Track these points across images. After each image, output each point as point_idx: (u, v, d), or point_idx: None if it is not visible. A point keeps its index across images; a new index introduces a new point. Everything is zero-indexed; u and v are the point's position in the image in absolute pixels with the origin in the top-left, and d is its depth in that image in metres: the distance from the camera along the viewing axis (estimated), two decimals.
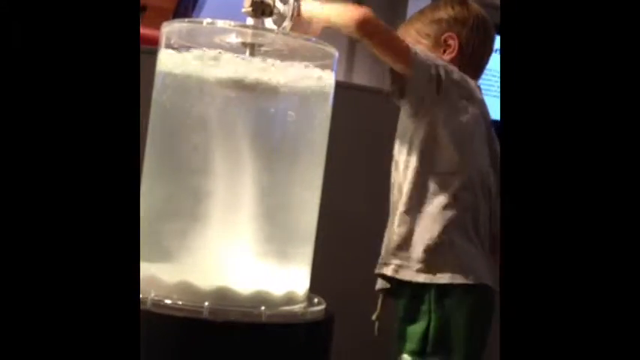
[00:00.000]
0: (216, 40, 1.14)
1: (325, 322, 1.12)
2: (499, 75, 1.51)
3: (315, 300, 1.16)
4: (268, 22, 1.19)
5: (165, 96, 1.13)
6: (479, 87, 1.33)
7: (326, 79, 1.15)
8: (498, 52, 1.55)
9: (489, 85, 2.50)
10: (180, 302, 1.02)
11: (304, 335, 1.08)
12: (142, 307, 1.01)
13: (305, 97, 1.14)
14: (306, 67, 1.14)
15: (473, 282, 1.22)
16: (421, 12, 1.40)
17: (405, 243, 1.24)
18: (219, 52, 1.08)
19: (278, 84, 1.09)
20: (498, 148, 1.32)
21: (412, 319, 1.25)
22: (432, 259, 1.22)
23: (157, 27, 1.15)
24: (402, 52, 1.21)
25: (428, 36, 1.35)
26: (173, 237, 1.08)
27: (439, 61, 1.26)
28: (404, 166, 1.27)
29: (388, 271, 1.25)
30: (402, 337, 1.26)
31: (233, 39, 1.14)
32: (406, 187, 1.25)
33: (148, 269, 1.08)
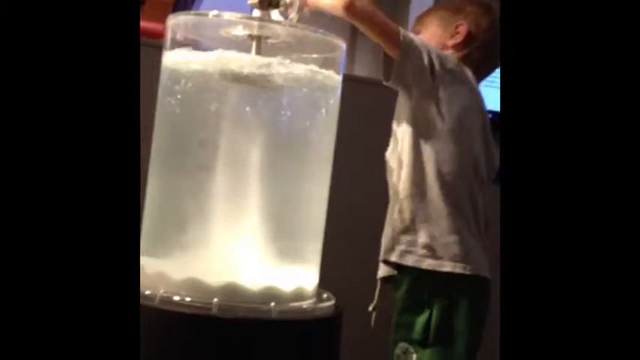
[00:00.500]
0: (222, 32, 1.13)
1: (335, 317, 1.11)
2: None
3: (325, 295, 1.14)
4: (274, 14, 1.17)
5: (171, 91, 1.11)
6: (473, 76, 1.33)
7: (333, 72, 1.14)
8: None
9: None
10: (188, 299, 1.01)
11: (314, 331, 1.07)
12: (150, 303, 1.00)
13: (313, 91, 1.12)
14: (313, 59, 1.13)
15: (472, 273, 1.22)
16: (448, 2, 1.42)
17: (408, 229, 1.25)
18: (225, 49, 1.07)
19: (285, 78, 1.07)
20: (492, 138, 1.33)
21: (413, 309, 1.25)
22: (436, 245, 1.23)
23: (156, 20, 1.13)
24: (391, 34, 1.22)
25: (442, 18, 1.36)
26: (181, 233, 1.07)
27: (433, 48, 1.26)
28: (398, 159, 1.28)
29: (393, 256, 1.25)
30: (401, 327, 1.26)
31: (239, 31, 1.12)
32: (406, 173, 1.25)
33: (156, 265, 1.07)
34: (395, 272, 1.27)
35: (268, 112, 1.10)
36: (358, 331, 1.32)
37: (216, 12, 1.09)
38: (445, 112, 1.25)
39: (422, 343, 1.24)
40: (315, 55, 1.15)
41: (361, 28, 1.22)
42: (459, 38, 1.34)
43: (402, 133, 1.28)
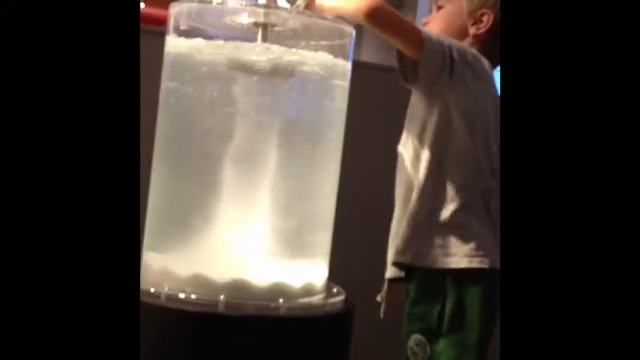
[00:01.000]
0: (227, 20, 1.09)
1: (345, 312, 1.08)
2: None
3: (335, 290, 1.12)
4: (281, 1, 1.14)
5: (174, 81, 1.08)
6: (492, 68, 1.30)
7: (342, 59, 1.10)
8: None
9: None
10: (194, 296, 0.99)
11: (324, 327, 1.04)
12: (155, 301, 0.98)
13: (322, 79, 1.09)
14: (322, 47, 1.10)
15: (488, 266, 1.20)
16: None
17: (422, 229, 1.22)
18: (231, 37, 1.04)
19: (294, 67, 1.04)
20: None
21: (427, 300, 1.23)
22: (450, 243, 1.20)
23: (159, 5, 1.10)
24: (414, 37, 1.18)
25: (471, 1, 1.31)
26: (186, 228, 1.04)
27: (453, 42, 1.22)
28: (415, 152, 1.25)
29: (407, 258, 1.22)
30: (414, 318, 1.24)
31: (245, 19, 1.09)
32: (421, 173, 1.22)
33: (161, 261, 1.05)
34: (402, 274, 1.24)
35: (276, 102, 1.07)
36: (368, 325, 1.29)
37: (219, 0, 1.05)
38: (463, 110, 1.22)
39: (435, 334, 1.22)
40: (323, 42, 1.12)
41: (381, 34, 1.18)
42: (482, 28, 1.30)
43: (417, 131, 1.25)
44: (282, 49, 1.05)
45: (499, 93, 1.27)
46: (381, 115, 1.81)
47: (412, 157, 1.25)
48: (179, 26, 1.09)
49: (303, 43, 1.11)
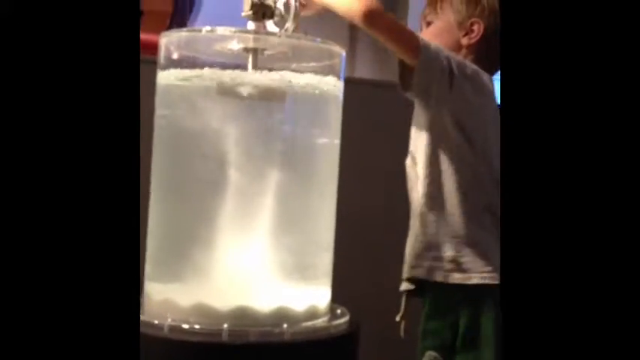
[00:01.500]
0: (217, 47, 1.10)
1: (350, 334, 1.07)
2: None
3: (339, 311, 1.11)
4: (270, 25, 1.14)
5: (168, 110, 1.08)
6: (492, 80, 1.29)
7: (334, 80, 1.10)
8: None
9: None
10: (197, 326, 0.98)
11: (330, 350, 1.04)
12: (158, 333, 0.98)
13: (315, 101, 1.09)
14: (312, 68, 1.10)
15: (499, 282, 1.19)
16: None
17: (433, 244, 1.22)
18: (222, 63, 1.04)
19: (286, 90, 1.04)
20: None
21: (440, 316, 1.22)
22: (462, 259, 1.20)
23: (156, 32, 1.11)
24: (411, 43, 1.18)
25: (458, 12, 1.31)
26: (186, 256, 1.04)
27: (451, 54, 1.22)
28: (419, 164, 1.24)
29: (420, 273, 1.21)
30: (428, 334, 1.23)
31: (235, 45, 1.09)
32: (424, 187, 1.22)
33: (162, 292, 1.05)
34: (413, 286, 1.24)
35: (270, 126, 1.07)
36: (374, 345, 1.29)
37: (209, 27, 1.06)
38: (463, 120, 1.22)
39: (450, 351, 1.21)
40: (313, 64, 1.12)
41: (378, 37, 1.18)
42: (474, 38, 1.30)
43: (419, 144, 1.25)
44: (273, 73, 1.05)
45: (499, 102, 1.27)
46: (377, 130, 1.82)
47: (419, 170, 1.25)
48: (170, 55, 1.09)
49: (294, 65, 1.11)
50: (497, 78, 1.47)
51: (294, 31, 1.13)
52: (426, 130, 1.24)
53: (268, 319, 1.00)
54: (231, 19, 1.14)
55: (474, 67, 1.26)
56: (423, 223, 1.22)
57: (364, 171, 1.70)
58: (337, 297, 1.14)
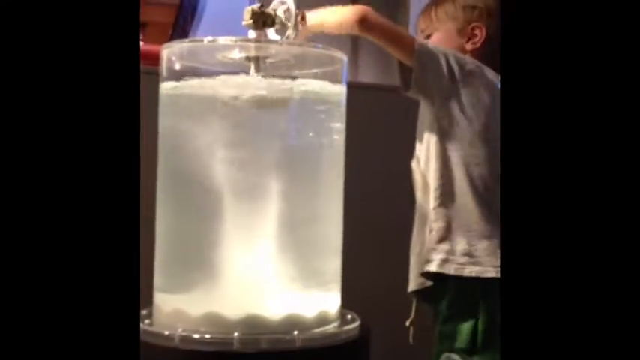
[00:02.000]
0: (219, 57, 1.10)
1: (361, 339, 1.07)
2: None
3: (349, 316, 1.11)
4: (271, 33, 1.14)
5: (171, 121, 1.09)
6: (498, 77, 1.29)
7: (337, 87, 1.11)
8: None
9: None
10: (208, 335, 0.98)
11: (341, 356, 1.04)
12: (170, 344, 0.98)
13: (317, 108, 1.09)
14: (315, 75, 1.10)
15: None
16: None
17: (445, 236, 1.22)
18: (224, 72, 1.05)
19: (287, 98, 1.04)
20: None
21: (459, 317, 1.22)
22: (475, 251, 1.20)
23: (158, 43, 1.11)
24: (407, 44, 1.20)
25: (456, 19, 1.31)
26: (195, 267, 1.04)
27: (449, 51, 1.22)
28: (427, 158, 1.25)
29: (432, 266, 1.21)
30: (447, 336, 1.23)
31: (236, 54, 1.10)
32: (435, 180, 1.22)
33: (172, 302, 1.05)
34: (430, 283, 1.23)
35: (274, 132, 1.07)
36: (385, 349, 1.28)
37: (210, 38, 1.06)
38: (470, 115, 1.22)
39: (469, 351, 1.21)
40: (315, 70, 1.13)
41: (374, 40, 1.19)
42: (477, 42, 1.30)
43: (427, 141, 1.25)
44: (276, 80, 1.05)
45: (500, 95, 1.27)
46: (381, 134, 1.82)
47: (427, 166, 1.25)
48: (172, 66, 1.10)
49: (296, 72, 1.12)
50: None
51: (296, 38, 1.14)
52: (434, 128, 1.24)
53: (279, 326, 1.00)
54: (233, 28, 1.15)
55: (477, 62, 1.26)
56: (436, 217, 1.22)
57: (369, 175, 1.70)
58: (347, 302, 1.14)
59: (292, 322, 1.01)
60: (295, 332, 0.99)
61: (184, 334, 0.98)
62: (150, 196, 1.04)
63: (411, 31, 1.50)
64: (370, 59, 2.53)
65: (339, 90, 1.12)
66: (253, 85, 1.06)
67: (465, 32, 1.31)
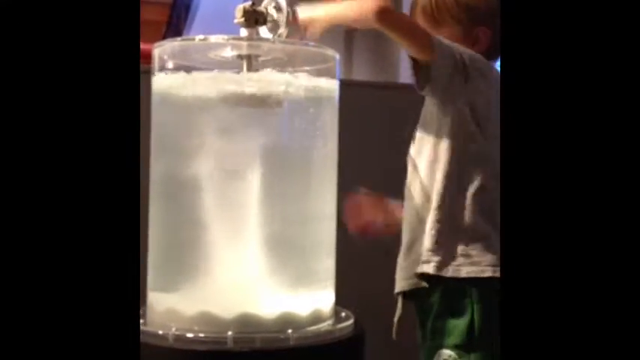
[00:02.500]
0: (211, 55, 1.10)
1: (355, 337, 1.07)
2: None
3: (343, 314, 1.11)
4: (263, 31, 1.14)
5: (164, 119, 1.08)
6: None
7: (329, 84, 1.10)
8: None
9: None
10: (202, 334, 0.98)
11: (335, 354, 1.04)
12: (163, 343, 0.98)
13: (310, 106, 1.09)
14: (307, 72, 1.10)
15: None
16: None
17: (442, 237, 1.21)
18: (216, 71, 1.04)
19: (280, 96, 1.04)
20: None
21: (453, 313, 1.21)
22: (472, 252, 1.19)
23: (151, 41, 1.11)
24: (424, 40, 1.18)
25: (460, 22, 1.29)
26: (188, 266, 1.04)
27: (462, 49, 1.21)
28: (432, 160, 1.23)
29: (430, 269, 1.20)
30: (440, 332, 1.22)
31: (228, 52, 1.09)
32: (439, 181, 1.21)
33: (166, 301, 1.05)
34: (426, 284, 1.23)
35: (266, 131, 1.07)
36: (380, 347, 1.28)
37: (202, 36, 1.06)
38: (478, 115, 1.21)
39: (465, 348, 1.20)
40: (308, 68, 1.12)
41: (390, 34, 1.17)
42: (483, 45, 1.29)
43: (429, 141, 1.24)
44: (268, 78, 1.05)
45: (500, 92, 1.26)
46: (375, 132, 1.82)
47: (427, 165, 1.24)
48: (164, 65, 1.10)
49: (288, 69, 1.12)
50: None
51: (286, 36, 1.13)
52: (441, 124, 1.23)
53: (272, 324, 1.00)
54: (228, 26, 1.14)
55: (485, 60, 1.25)
56: (435, 218, 1.21)
57: (363, 173, 1.70)
58: (341, 300, 1.14)
59: (286, 321, 1.01)
60: (289, 331, 0.99)
61: (178, 333, 0.98)
62: (142, 196, 1.03)
63: None
64: (364, 57, 2.53)
65: (332, 87, 1.11)
66: (245, 83, 1.05)
67: (470, 37, 1.29)
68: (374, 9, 1.12)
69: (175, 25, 2.35)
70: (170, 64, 1.10)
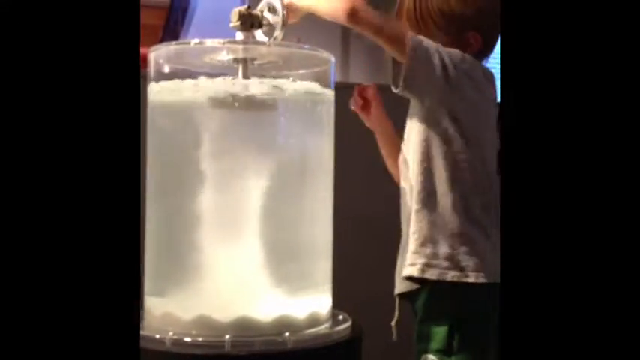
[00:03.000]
0: (207, 59, 1.10)
1: (353, 339, 1.07)
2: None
3: (340, 317, 1.11)
4: (259, 35, 1.14)
5: (159, 123, 1.08)
6: (492, 76, 1.27)
7: (325, 86, 1.11)
8: None
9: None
10: (200, 338, 0.98)
11: (333, 356, 1.04)
12: (161, 348, 0.98)
13: (306, 108, 1.09)
14: (302, 75, 1.10)
15: (493, 281, 1.18)
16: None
17: (427, 240, 1.20)
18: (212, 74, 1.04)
19: (277, 99, 1.04)
20: None
21: (435, 318, 1.21)
22: (458, 256, 1.19)
23: (148, 45, 1.11)
24: (398, 39, 1.16)
25: (448, 32, 1.27)
26: (185, 270, 1.04)
27: (443, 50, 1.20)
28: (413, 163, 1.23)
29: (414, 271, 1.20)
30: (424, 337, 1.22)
31: (224, 56, 1.09)
32: (418, 183, 1.21)
33: (163, 306, 1.05)
34: (417, 286, 1.22)
35: (262, 135, 1.07)
36: (377, 349, 1.28)
37: (197, 40, 1.06)
38: (460, 118, 1.20)
39: (446, 353, 1.20)
40: (303, 71, 1.13)
41: (366, 34, 1.17)
42: (474, 50, 1.27)
43: (414, 141, 1.24)
44: (263, 82, 1.05)
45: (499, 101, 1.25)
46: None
47: (412, 168, 1.24)
48: (160, 69, 1.10)
49: (284, 73, 1.12)
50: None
51: (282, 39, 1.14)
52: (421, 127, 1.22)
53: (270, 328, 1.00)
54: (225, 31, 1.14)
55: (472, 60, 1.23)
56: (418, 220, 1.21)
57: (360, 175, 1.70)
58: (339, 303, 1.14)
59: (283, 324, 1.01)
60: (286, 334, 0.99)
61: (176, 337, 0.98)
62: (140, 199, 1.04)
63: None
64: (361, 59, 2.53)
65: (328, 90, 1.11)
66: (241, 87, 1.06)
67: (460, 42, 1.27)
68: (344, 9, 1.12)
69: (172, 29, 2.35)
70: (166, 68, 1.10)
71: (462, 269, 1.18)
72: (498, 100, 1.27)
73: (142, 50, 1.15)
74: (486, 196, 1.21)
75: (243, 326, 1.00)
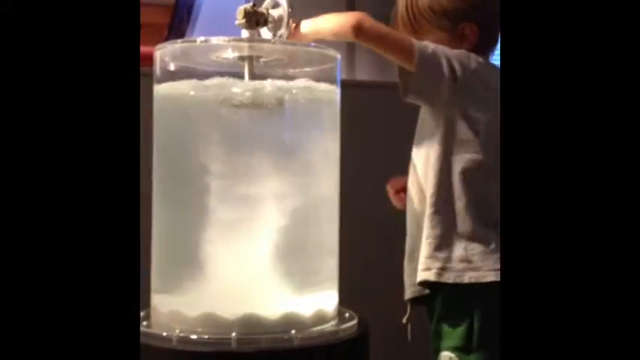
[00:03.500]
0: (213, 57, 1.10)
1: (360, 337, 1.07)
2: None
3: (347, 315, 1.11)
4: (264, 32, 1.14)
5: (166, 121, 1.08)
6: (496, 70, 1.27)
7: (330, 84, 1.10)
8: None
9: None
10: (206, 336, 0.98)
11: (339, 354, 1.04)
12: (167, 345, 0.98)
13: (312, 107, 1.09)
14: (308, 73, 1.10)
15: None
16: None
17: (442, 243, 1.20)
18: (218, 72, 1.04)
19: (281, 97, 1.04)
20: None
21: (454, 317, 1.21)
22: (473, 257, 1.19)
23: (153, 44, 1.11)
24: (406, 49, 1.16)
25: (441, 27, 1.27)
26: (192, 268, 1.04)
27: (453, 53, 1.20)
28: (425, 164, 1.23)
29: (431, 276, 1.20)
30: (441, 335, 1.22)
31: (229, 54, 1.09)
32: (431, 187, 1.21)
33: (169, 303, 1.05)
34: (427, 291, 1.22)
35: (268, 133, 1.07)
36: (384, 346, 1.28)
37: (203, 38, 1.06)
38: (471, 118, 1.20)
39: (465, 350, 1.20)
40: (309, 69, 1.12)
41: (373, 48, 1.17)
42: (472, 41, 1.27)
43: (426, 145, 1.23)
44: (269, 80, 1.05)
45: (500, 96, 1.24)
46: (378, 132, 1.82)
47: (423, 171, 1.23)
48: (166, 67, 1.10)
49: (290, 71, 1.12)
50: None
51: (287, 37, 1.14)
52: (434, 130, 1.22)
53: (276, 325, 1.00)
54: (230, 28, 1.14)
55: (481, 60, 1.23)
56: (432, 225, 1.21)
57: (367, 173, 1.70)
58: (345, 300, 1.14)
59: (290, 322, 1.01)
60: (293, 331, 0.99)
61: (182, 335, 0.98)
62: (146, 198, 1.04)
63: None
64: (367, 57, 2.52)
65: (333, 88, 1.11)
66: (247, 85, 1.06)
67: (456, 35, 1.27)
68: (351, 25, 1.13)
69: (177, 27, 2.35)
70: (172, 66, 1.10)
71: (478, 269, 1.18)
72: None
73: (148, 48, 1.15)
74: (494, 195, 1.21)
75: (250, 324, 1.00)
